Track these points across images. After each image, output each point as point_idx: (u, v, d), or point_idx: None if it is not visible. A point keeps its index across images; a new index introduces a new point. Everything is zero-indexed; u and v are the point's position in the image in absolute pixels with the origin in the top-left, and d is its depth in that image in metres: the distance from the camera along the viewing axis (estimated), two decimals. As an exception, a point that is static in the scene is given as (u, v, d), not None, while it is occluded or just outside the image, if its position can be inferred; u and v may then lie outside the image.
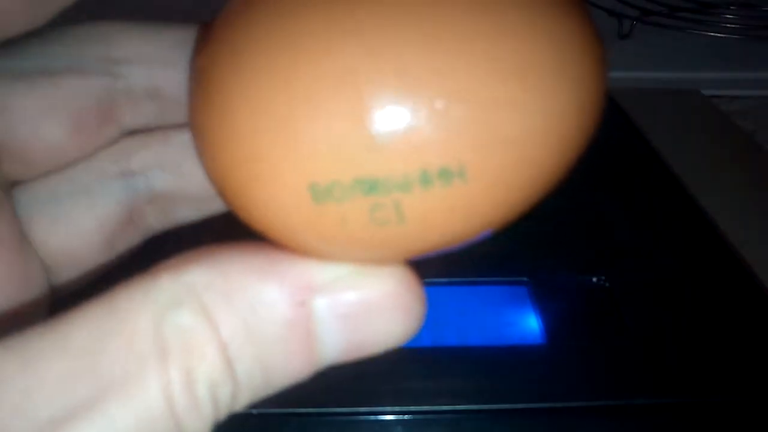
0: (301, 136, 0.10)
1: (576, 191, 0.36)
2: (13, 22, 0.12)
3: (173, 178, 0.15)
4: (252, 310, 0.10)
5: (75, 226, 0.15)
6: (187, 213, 0.16)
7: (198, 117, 0.11)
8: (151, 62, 0.14)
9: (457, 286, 0.28)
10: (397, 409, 0.22)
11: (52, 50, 0.14)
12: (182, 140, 0.15)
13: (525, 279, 0.28)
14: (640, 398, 0.23)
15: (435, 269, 0.29)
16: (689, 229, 0.33)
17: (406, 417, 0.22)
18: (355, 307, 0.11)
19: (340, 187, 0.10)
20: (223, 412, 0.11)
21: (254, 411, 0.22)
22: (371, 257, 0.11)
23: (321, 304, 0.11)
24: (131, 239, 0.15)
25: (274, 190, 0.10)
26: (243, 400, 0.11)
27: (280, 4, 0.10)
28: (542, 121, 0.10)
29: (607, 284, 0.28)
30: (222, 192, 0.11)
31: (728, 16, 0.62)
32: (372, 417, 0.22)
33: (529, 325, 0.26)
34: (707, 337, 0.25)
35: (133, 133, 0.15)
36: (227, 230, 0.12)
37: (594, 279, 0.28)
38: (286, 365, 0.11)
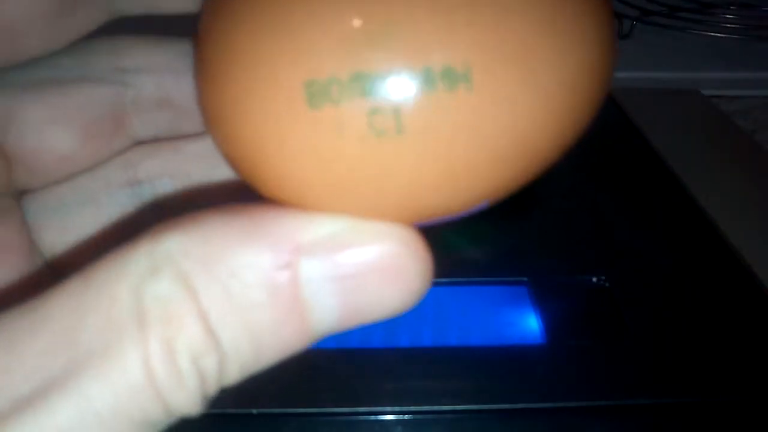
0: (298, 34, 0.09)
1: (576, 191, 0.36)
2: (32, 46, 0.12)
3: (182, 188, 0.15)
4: (233, 276, 0.10)
5: (82, 235, 0.14)
6: None
7: (198, 53, 0.11)
8: (160, 71, 0.14)
9: (457, 286, 0.28)
10: (397, 409, 0.22)
11: (62, 61, 0.14)
12: (192, 149, 0.15)
13: (525, 279, 0.28)
14: (640, 398, 0.23)
15: (435, 269, 0.29)
16: (689, 229, 0.33)
17: (406, 417, 0.22)
18: (351, 269, 0.10)
19: (338, 84, 0.09)
20: (212, 387, 0.10)
21: (254, 411, 0.22)
22: (373, 195, 0.10)
23: (310, 265, 0.10)
24: None
25: (266, 91, 0.10)
26: (232, 373, 0.10)
27: None
28: (556, 37, 0.10)
29: (607, 284, 0.28)
30: (215, 122, 0.11)
31: (728, 16, 0.62)
32: (372, 417, 0.22)
33: (529, 325, 0.26)
34: (707, 337, 0.25)
35: (142, 142, 0.15)
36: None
37: (594, 279, 0.28)
38: (275, 334, 0.10)
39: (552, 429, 0.23)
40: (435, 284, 0.30)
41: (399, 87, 0.09)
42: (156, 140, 0.15)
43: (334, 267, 0.10)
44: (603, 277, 0.28)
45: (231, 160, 0.11)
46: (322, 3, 0.09)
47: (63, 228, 0.14)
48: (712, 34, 0.60)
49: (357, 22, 0.09)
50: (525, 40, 0.09)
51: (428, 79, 0.09)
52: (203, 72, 0.11)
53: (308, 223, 0.10)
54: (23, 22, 0.12)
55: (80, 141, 0.14)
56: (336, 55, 0.09)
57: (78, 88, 0.14)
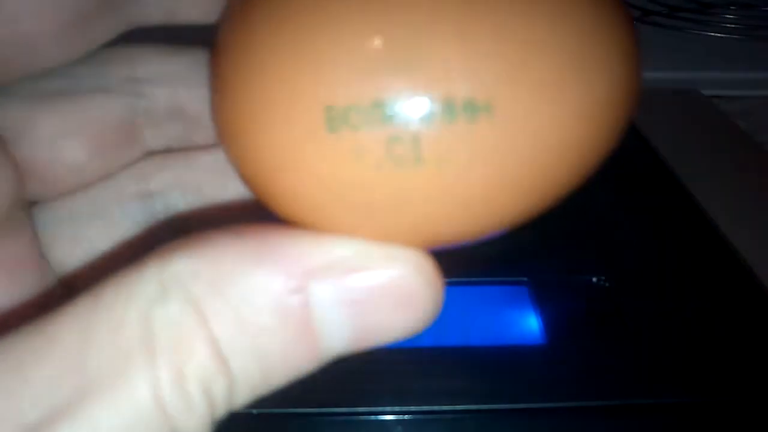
0: (320, 56, 0.09)
1: (576, 191, 0.36)
2: (49, 57, 0.12)
3: (194, 201, 0.15)
4: (244, 300, 0.10)
5: (92, 247, 0.14)
6: None
7: (216, 67, 0.11)
8: (173, 81, 0.14)
9: (457, 286, 0.28)
10: (397, 409, 0.22)
11: (75, 71, 0.13)
12: (204, 162, 0.15)
13: (525, 279, 0.28)
14: (640, 398, 0.23)
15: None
16: (689, 229, 0.33)
17: (406, 417, 0.22)
18: (362, 293, 0.10)
19: (357, 111, 0.09)
20: (221, 410, 0.10)
21: (254, 411, 0.22)
22: (387, 220, 0.10)
23: (322, 289, 0.10)
24: None
25: (286, 114, 0.09)
26: (242, 396, 0.10)
27: None
28: (577, 73, 0.09)
29: (607, 284, 0.28)
30: (230, 138, 0.11)
31: (728, 16, 0.62)
32: (372, 417, 0.22)
33: (529, 325, 0.26)
34: (707, 337, 0.25)
35: (155, 154, 0.15)
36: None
37: (594, 279, 0.28)
38: (285, 358, 0.10)
39: (552, 429, 0.23)
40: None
41: (419, 117, 0.09)
42: (168, 151, 0.15)
43: (346, 291, 0.10)
44: (603, 277, 0.28)
45: (244, 177, 0.11)
46: (346, 26, 0.09)
47: (73, 240, 0.14)
48: (712, 34, 0.60)
49: (380, 50, 0.09)
50: (549, 73, 0.09)
51: (449, 110, 0.09)
52: (219, 86, 0.11)
53: (320, 246, 0.10)
54: (41, 34, 0.11)
55: (92, 152, 0.14)
56: (357, 82, 0.09)
57: (91, 98, 0.14)
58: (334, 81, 0.09)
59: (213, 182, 0.15)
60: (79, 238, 0.14)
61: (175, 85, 0.14)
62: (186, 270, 0.10)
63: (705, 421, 0.23)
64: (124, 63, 0.14)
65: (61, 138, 0.13)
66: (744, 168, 0.44)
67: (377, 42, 0.09)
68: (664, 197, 0.35)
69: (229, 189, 0.15)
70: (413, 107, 0.09)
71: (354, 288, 0.10)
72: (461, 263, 0.30)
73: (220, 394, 0.10)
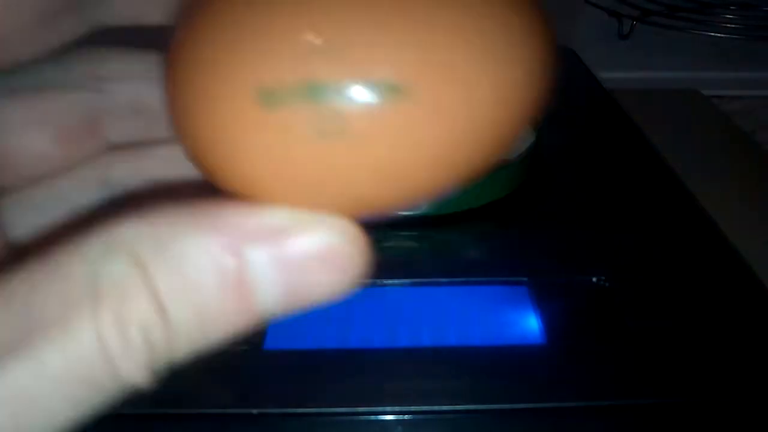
0: (253, 38, 0.10)
1: (576, 191, 0.36)
2: (14, 54, 0.13)
3: (153, 188, 0.16)
4: (185, 259, 0.11)
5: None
6: None
7: (167, 60, 0.12)
8: (135, 79, 0.15)
9: (457, 286, 0.28)
10: (397, 409, 0.22)
11: (43, 68, 0.14)
12: (163, 154, 0.16)
13: (525, 279, 0.28)
14: (640, 398, 0.23)
15: (435, 269, 0.29)
16: (689, 229, 0.33)
17: (406, 417, 0.22)
18: (293, 255, 0.11)
19: (286, 89, 0.10)
20: (160, 358, 0.11)
21: (254, 411, 0.22)
22: (317, 191, 0.11)
23: (256, 252, 0.11)
24: None
25: (223, 95, 0.11)
26: (181, 347, 0.11)
27: None
28: (490, 57, 0.11)
29: (607, 284, 0.28)
30: (178, 122, 0.12)
31: (728, 16, 0.62)
32: (372, 417, 0.22)
33: (529, 325, 0.26)
34: (707, 337, 0.25)
35: (117, 147, 0.16)
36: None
37: (594, 279, 0.28)
38: (222, 313, 0.11)
39: (552, 429, 0.23)
40: (435, 284, 0.30)
41: (345, 97, 0.10)
42: (130, 144, 0.16)
43: (278, 253, 0.11)
44: (603, 278, 0.28)
45: (193, 159, 0.12)
46: (278, 17, 0.10)
47: (36, 228, 0.15)
48: (712, 34, 0.60)
49: (310, 35, 0.10)
50: (463, 61, 0.10)
51: (372, 91, 0.10)
52: (170, 77, 0.12)
53: (255, 214, 0.11)
54: (7, 31, 0.12)
55: (56, 143, 0.14)
56: (288, 64, 0.10)
57: (56, 93, 0.14)
58: (266, 64, 0.10)
59: (171, 172, 0.16)
60: (41, 226, 0.15)
61: (137, 83, 0.15)
62: (130, 232, 0.11)
63: (705, 421, 0.23)
64: (89, 62, 0.15)
65: (25, 128, 0.14)
66: (744, 167, 0.44)
67: (308, 28, 0.10)
68: (664, 197, 0.35)
69: (187, 178, 0.16)
70: (339, 88, 0.10)
71: (285, 251, 0.11)
72: (462, 263, 0.30)
73: (160, 341, 0.11)
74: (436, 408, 0.22)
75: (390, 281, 0.28)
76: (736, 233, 0.32)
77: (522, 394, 0.23)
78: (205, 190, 0.12)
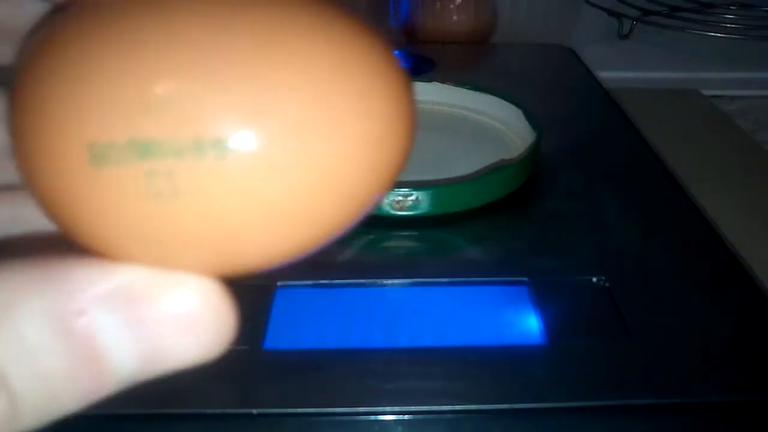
0: (81, 95, 0.10)
1: (576, 191, 0.36)
2: None
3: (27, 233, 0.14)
4: (27, 323, 0.10)
5: None
6: None
7: (10, 104, 0.11)
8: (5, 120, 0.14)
9: (457, 286, 0.28)
10: (397, 409, 0.22)
11: None
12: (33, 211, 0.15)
13: (525, 279, 0.28)
14: (640, 398, 0.23)
15: (435, 269, 0.29)
16: (689, 229, 0.33)
17: (406, 417, 0.22)
18: (147, 321, 0.10)
19: (115, 147, 0.10)
20: (3, 429, 0.10)
21: (254, 411, 0.22)
22: (168, 250, 0.11)
23: (105, 313, 0.10)
24: None
25: (57, 152, 0.10)
26: (29, 418, 0.10)
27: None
28: (325, 112, 0.10)
29: (607, 284, 0.28)
30: (22, 173, 0.11)
31: (728, 16, 0.62)
32: (372, 417, 0.22)
33: (529, 325, 0.26)
34: (707, 337, 0.25)
35: None
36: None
37: (594, 279, 0.28)
38: (72, 381, 0.10)
39: (552, 429, 0.23)
40: (435, 284, 0.30)
41: (172, 153, 0.10)
42: (4, 188, 0.15)
43: (129, 316, 0.10)
44: (603, 278, 0.28)
45: (44, 213, 0.11)
46: (108, 71, 0.10)
47: None
48: (712, 34, 0.60)
49: (135, 90, 0.10)
50: (300, 114, 0.10)
51: (198, 148, 0.10)
52: (11, 125, 0.11)
53: (105, 272, 0.10)
54: None
55: None
56: (114, 121, 0.10)
57: None
58: (93, 120, 0.10)
59: (41, 217, 0.15)
60: None
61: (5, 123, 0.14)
62: None
63: (705, 421, 0.23)
64: None
65: None
66: (744, 167, 0.44)
67: (134, 84, 0.10)
68: (664, 197, 0.35)
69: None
70: (165, 146, 0.10)
71: (138, 314, 0.10)
72: (462, 263, 0.30)
73: (2, 411, 0.10)
74: (436, 408, 0.22)
75: (390, 281, 0.28)
76: (736, 233, 0.32)
77: (522, 394, 0.23)
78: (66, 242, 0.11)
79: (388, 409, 0.22)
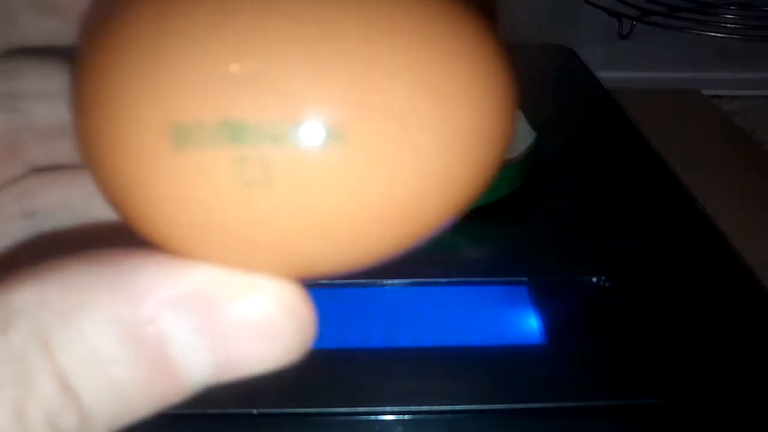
0: (167, 69, 0.09)
1: (576, 191, 0.36)
2: None
3: (81, 221, 0.14)
4: (95, 330, 0.09)
5: None
6: None
7: (75, 87, 0.10)
8: (56, 98, 0.13)
9: (457, 286, 0.28)
10: (397, 409, 0.22)
11: None
12: (91, 182, 0.14)
13: (525, 279, 0.28)
14: (640, 398, 0.23)
15: (435, 269, 0.29)
16: (689, 228, 0.33)
17: (406, 417, 0.22)
18: (219, 324, 0.10)
19: (204, 129, 0.09)
20: None
21: (254, 411, 0.22)
22: (248, 247, 0.10)
23: (178, 319, 0.10)
24: None
25: (134, 132, 0.09)
26: (100, 428, 0.10)
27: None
28: (435, 102, 0.09)
29: (607, 284, 0.28)
30: (89, 160, 0.10)
31: (728, 16, 0.62)
32: (372, 417, 0.22)
33: (529, 325, 0.26)
34: (707, 337, 0.25)
35: (41, 170, 0.14)
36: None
37: (594, 279, 0.28)
38: (144, 389, 0.10)
39: (552, 429, 0.23)
40: (436, 284, 0.30)
41: (269, 138, 0.09)
42: (55, 167, 0.14)
43: (202, 322, 0.10)
44: (603, 278, 0.28)
45: (108, 201, 0.11)
46: (198, 46, 0.09)
47: None
48: (712, 34, 0.60)
49: (229, 67, 0.09)
50: (405, 101, 0.09)
51: (299, 133, 0.09)
52: (78, 107, 0.10)
53: (177, 274, 0.10)
54: None
55: None
56: (204, 99, 0.09)
57: None
58: (179, 98, 0.09)
59: (101, 203, 0.14)
60: None
61: (59, 101, 0.13)
62: (32, 299, 0.09)
63: (705, 421, 0.23)
64: (6, 77, 0.13)
65: None
66: (744, 167, 0.44)
67: (227, 60, 0.09)
68: (664, 197, 0.35)
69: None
70: (262, 128, 0.09)
71: (212, 319, 0.10)
72: (462, 263, 0.30)
73: (71, 427, 0.09)
74: (436, 408, 0.22)
75: (390, 281, 0.28)
76: (736, 233, 0.32)
77: (522, 394, 0.23)
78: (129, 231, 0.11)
79: (388, 409, 0.22)
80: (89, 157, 0.10)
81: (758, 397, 0.23)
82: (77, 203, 0.14)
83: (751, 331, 0.26)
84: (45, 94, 0.13)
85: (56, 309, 0.09)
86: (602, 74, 0.50)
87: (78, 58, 0.10)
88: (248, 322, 0.10)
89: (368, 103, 0.09)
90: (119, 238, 0.10)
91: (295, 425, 0.22)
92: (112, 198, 0.10)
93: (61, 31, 0.13)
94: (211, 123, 0.09)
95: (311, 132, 0.09)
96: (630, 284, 0.28)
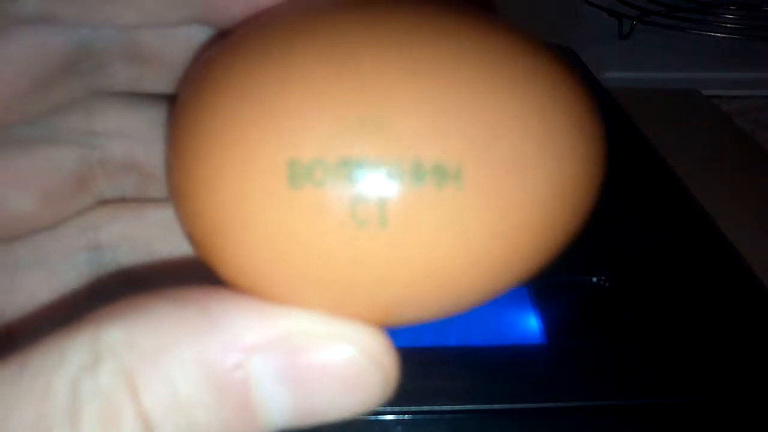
0: (287, 108, 0.09)
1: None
2: (7, 120, 0.12)
3: (143, 255, 0.14)
4: (179, 373, 0.09)
5: (33, 297, 0.14)
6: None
7: (174, 126, 0.11)
8: (131, 137, 0.14)
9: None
10: (396, 409, 0.22)
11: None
12: (156, 217, 0.14)
13: (525, 279, 0.28)
14: (640, 398, 0.23)
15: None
16: (689, 228, 0.33)
17: (406, 417, 0.22)
18: (304, 372, 0.10)
19: (323, 167, 0.09)
20: None
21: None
22: (343, 289, 0.10)
23: (263, 365, 0.09)
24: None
25: (249, 170, 0.09)
26: None
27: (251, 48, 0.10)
28: (547, 148, 0.09)
29: (606, 284, 0.28)
30: (182, 196, 0.10)
31: (728, 16, 0.62)
32: (372, 417, 0.22)
33: (529, 325, 0.26)
34: (707, 337, 0.25)
35: (107, 202, 0.14)
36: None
37: (594, 279, 0.28)
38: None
39: (552, 429, 0.23)
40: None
41: (386, 178, 0.09)
42: (121, 201, 0.14)
43: (287, 368, 0.10)
44: (603, 277, 0.28)
45: (193, 238, 0.11)
46: (316, 85, 0.09)
47: (13, 288, 0.13)
48: (712, 34, 0.60)
49: (350, 108, 0.09)
50: (519, 144, 0.09)
51: (417, 174, 0.09)
52: (177, 143, 0.10)
53: (263, 319, 0.10)
54: (1, 100, 0.11)
55: (38, 202, 0.13)
56: (325, 138, 0.09)
57: (42, 149, 0.13)
58: (301, 135, 0.09)
59: (164, 239, 0.14)
60: (19, 287, 0.14)
61: (132, 139, 0.14)
62: (120, 338, 0.09)
63: (705, 421, 0.23)
64: (83, 114, 0.13)
65: (7, 188, 0.13)
66: (744, 167, 0.44)
67: (348, 100, 0.09)
68: (664, 197, 0.35)
69: (180, 247, 0.14)
70: (381, 168, 0.09)
71: (296, 366, 0.10)
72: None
73: None
74: (436, 408, 0.22)
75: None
76: (736, 233, 0.32)
77: (522, 394, 0.23)
78: (200, 269, 0.11)
79: (388, 409, 0.22)
80: (179, 190, 0.10)
81: (758, 397, 0.23)
82: (140, 237, 0.14)
83: (751, 331, 0.26)
84: (120, 133, 0.14)
85: (142, 351, 0.09)
86: (602, 74, 0.50)
87: (181, 93, 0.11)
88: (333, 370, 0.10)
89: (486, 146, 0.09)
90: (187, 276, 0.10)
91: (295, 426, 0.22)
92: (198, 232, 0.10)
93: (146, 78, 0.13)
94: (332, 161, 0.09)
95: (429, 174, 0.09)
96: (630, 284, 0.28)
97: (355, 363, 0.10)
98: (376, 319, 0.10)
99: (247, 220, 0.09)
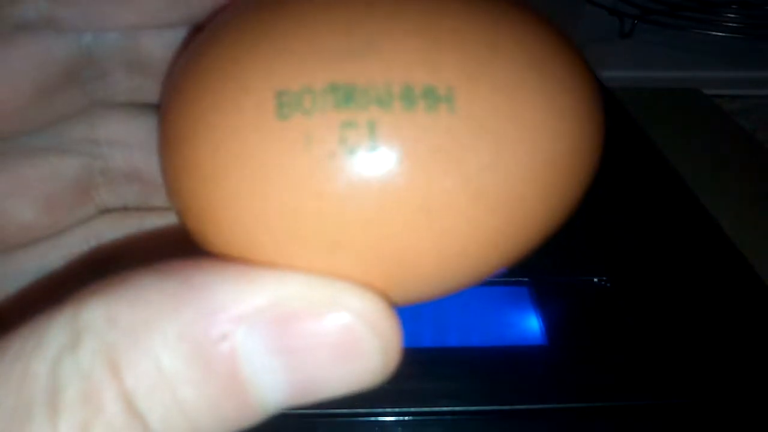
0: (275, 44, 0.09)
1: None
2: (6, 129, 0.12)
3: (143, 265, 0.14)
4: (163, 348, 0.09)
5: (34, 305, 0.14)
6: None
7: (161, 116, 0.11)
8: (132, 145, 0.14)
9: (458, 286, 0.28)
10: (397, 410, 0.22)
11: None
12: (158, 225, 0.14)
13: (526, 279, 0.28)
14: (641, 399, 0.23)
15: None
16: (690, 228, 0.33)
17: (406, 418, 0.22)
18: (297, 342, 0.09)
19: (311, 94, 0.09)
20: None
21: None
22: (339, 239, 0.09)
23: (251, 336, 0.09)
24: None
25: (237, 101, 0.09)
26: None
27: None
28: (540, 80, 0.09)
29: (608, 285, 0.28)
30: (165, 157, 0.10)
31: (729, 15, 0.62)
32: (372, 418, 0.22)
33: (530, 325, 0.26)
34: (708, 337, 0.25)
35: (109, 211, 0.14)
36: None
37: (595, 279, 0.28)
38: (214, 413, 0.09)
39: (552, 429, 0.23)
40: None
41: (376, 102, 0.09)
42: (123, 210, 0.14)
43: (279, 338, 0.09)
44: (604, 278, 0.28)
45: (178, 196, 0.10)
46: (304, 17, 0.09)
47: (18, 295, 0.14)
48: (713, 33, 0.59)
49: (340, 37, 0.09)
50: (512, 74, 0.09)
51: (408, 97, 0.09)
52: (167, 97, 0.10)
53: (249, 286, 0.09)
54: (2, 108, 0.12)
55: (42, 211, 0.13)
56: (313, 66, 0.09)
57: (45, 158, 0.13)
58: (288, 65, 0.09)
59: (165, 249, 0.14)
60: (24, 294, 0.14)
61: (134, 149, 0.14)
62: (100, 315, 0.09)
63: (705, 421, 0.23)
64: (85, 123, 0.13)
65: (9, 198, 0.13)
66: (745, 166, 0.44)
67: (337, 30, 0.09)
68: (665, 196, 0.35)
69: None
70: (370, 92, 0.09)
71: (288, 335, 0.09)
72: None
73: None
74: (436, 409, 0.22)
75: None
76: (737, 232, 0.32)
77: (523, 395, 0.23)
78: (185, 243, 0.10)
79: (388, 409, 0.22)
80: (168, 143, 0.10)
81: (758, 397, 0.23)
82: (141, 248, 0.14)
83: (753, 331, 0.26)
84: (122, 143, 0.14)
85: (124, 327, 0.09)
86: (603, 73, 0.50)
87: (165, 86, 0.11)
88: (328, 340, 0.09)
89: (478, 73, 0.09)
90: (177, 250, 0.10)
91: (294, 425, 0.22)
92: (188, 190, 0.10)
93: (146, 88, 0.13)
94: (319, 87, 0.09)
95: (420, 97, 0.09)
96: (630, 285, 0.28)
97: (351, 330, 0.09)
98: (379, 280, 0.09)
99: (235, 160, 0.09)
